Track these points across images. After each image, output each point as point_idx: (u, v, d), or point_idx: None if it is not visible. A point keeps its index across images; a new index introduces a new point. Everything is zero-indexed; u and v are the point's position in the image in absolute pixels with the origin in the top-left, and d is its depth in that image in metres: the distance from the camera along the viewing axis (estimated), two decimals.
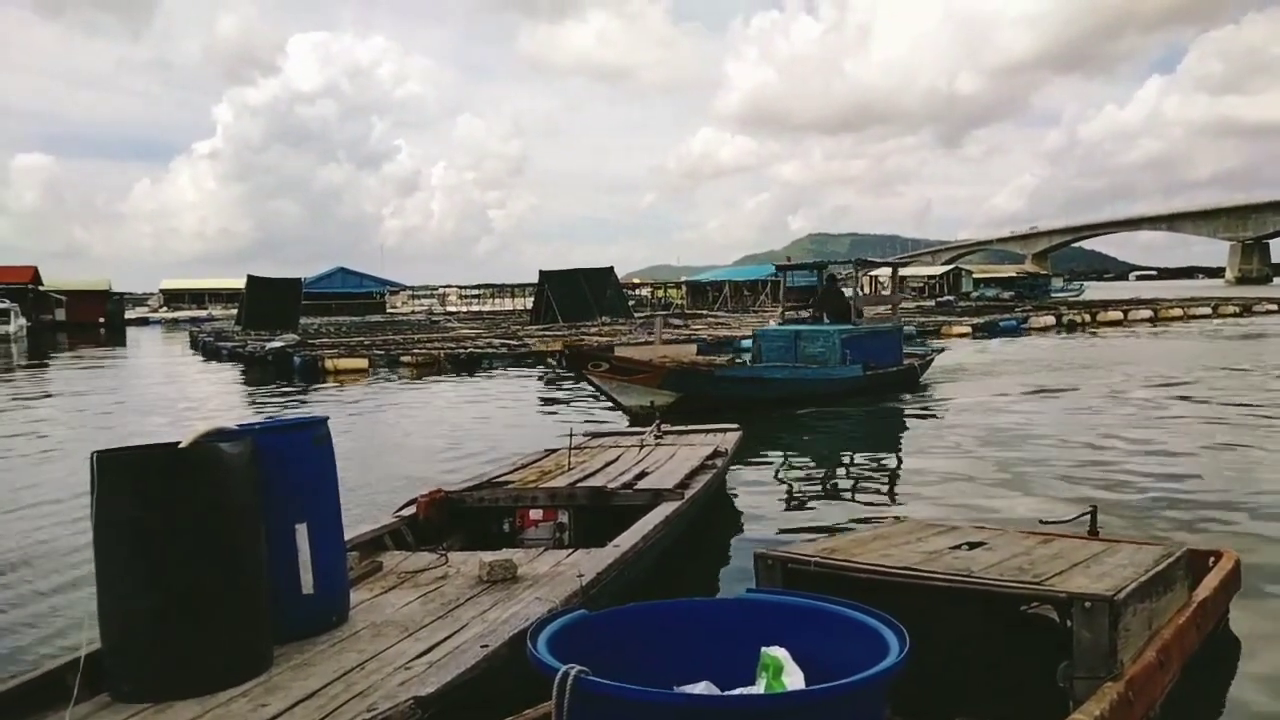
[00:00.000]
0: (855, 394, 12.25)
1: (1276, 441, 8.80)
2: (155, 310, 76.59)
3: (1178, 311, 35.36)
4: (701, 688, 2.10)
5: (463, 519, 5.00)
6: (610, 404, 11.53)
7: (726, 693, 2.06)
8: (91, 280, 64.29)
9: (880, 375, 12.93)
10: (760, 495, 7.13)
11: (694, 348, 15.98)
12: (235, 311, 46.46)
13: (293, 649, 2.98)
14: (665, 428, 7.25)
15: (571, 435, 6.78)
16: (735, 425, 7.52)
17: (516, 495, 5.06)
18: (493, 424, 11.68)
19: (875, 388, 12.66)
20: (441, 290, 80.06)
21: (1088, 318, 32.76)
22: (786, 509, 6.85)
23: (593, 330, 29.37)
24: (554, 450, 6.53)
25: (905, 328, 27.43)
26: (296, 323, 37.14)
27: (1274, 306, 39.35)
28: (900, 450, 9.18)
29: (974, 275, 79.09)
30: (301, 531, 3.16)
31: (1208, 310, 36.49)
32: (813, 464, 8.70)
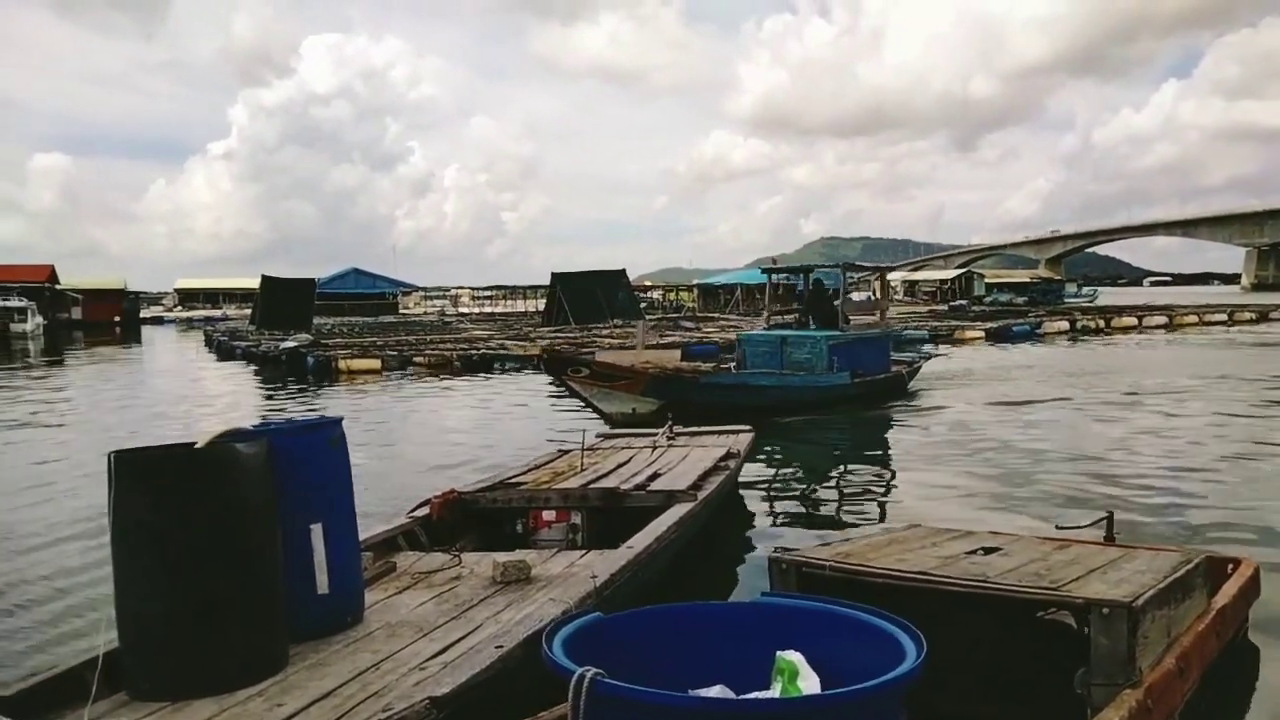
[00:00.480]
0: (843, 401, 11.96)
1: None
2: (170, 309, 77.14)
3: (1193, 318, 35.06)
4: (716, 691, 2.09)
5: (476, 520, 5.00)
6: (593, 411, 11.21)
7: (742, 696, 2.06)
8: (107, 279, 64.86)
9: (869, 382, 12.54)
10: (767, 499, 7.11)
11: (678, 353, 15.72)
12: (249, 311, 46.74)
13: (308, 649, 2.99)
14: (678, 429, 7.25)
15: (584, 436, 6.78)
16: (748, 427, 7.50)
17: (530, 496, 5.06)
18: (505, 425, 11.69)
19: (863, 395, 12.35)
20: (454, 291, 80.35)
21: (1102, 324, 32.58)
22: (798, 512, 6.83)
23: (604, 332, 29.38)
24: (567, 451, 6.53)
25: (919, 331, 27.45)
26: (310, 323, 37.32)
27: None
28: (908, 457, 9.07)
29: (987, 279, 78.69)
30: (317, 532, 3.17)
31: (1223, 316, 36.18)
32: (813, 470, 8.62)
